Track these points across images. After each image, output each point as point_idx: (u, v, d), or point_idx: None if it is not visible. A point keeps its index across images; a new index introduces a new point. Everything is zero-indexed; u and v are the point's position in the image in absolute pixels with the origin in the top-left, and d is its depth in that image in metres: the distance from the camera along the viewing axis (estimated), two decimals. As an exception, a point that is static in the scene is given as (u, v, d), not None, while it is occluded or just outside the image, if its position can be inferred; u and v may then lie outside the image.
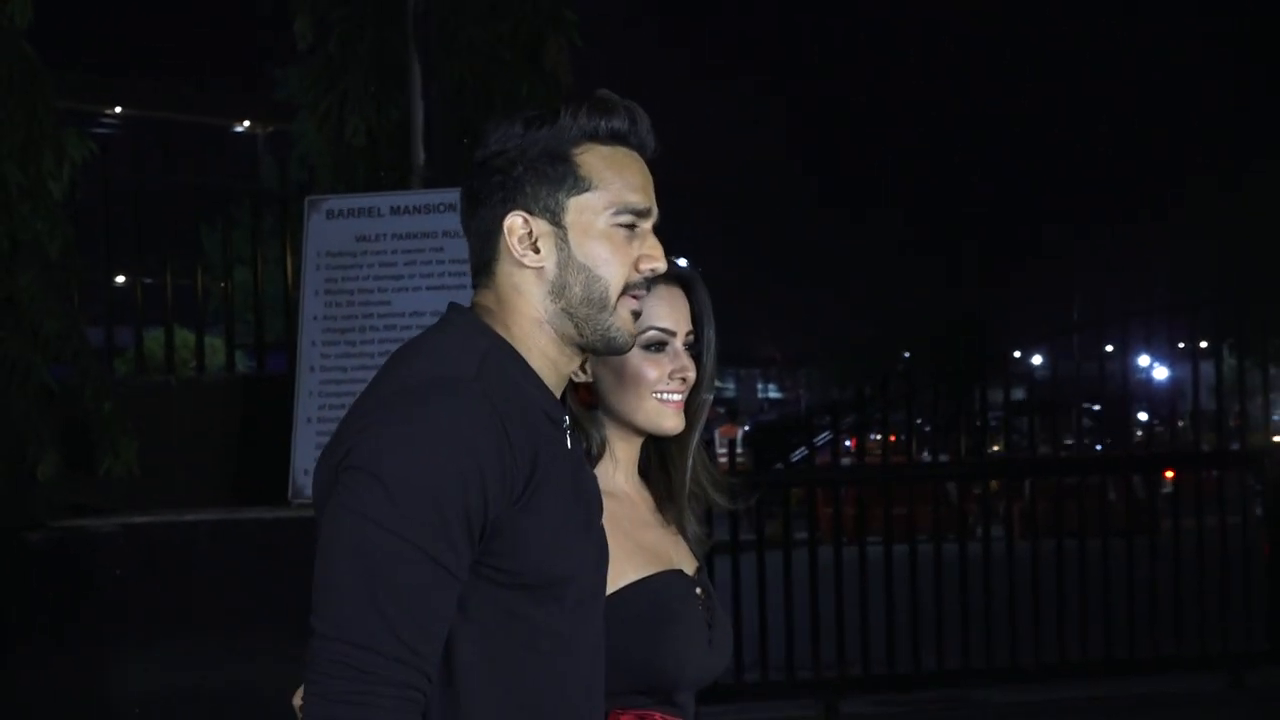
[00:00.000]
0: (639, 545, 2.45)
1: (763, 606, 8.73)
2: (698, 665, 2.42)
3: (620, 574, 2.35)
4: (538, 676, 2.04)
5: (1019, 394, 11.38)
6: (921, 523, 9.16)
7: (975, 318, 43.55)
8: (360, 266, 6.20)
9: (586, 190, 2.12)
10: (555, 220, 2.12)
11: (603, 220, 2.13)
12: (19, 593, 5.87)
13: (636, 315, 2.18)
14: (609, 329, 2.14)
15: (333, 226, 6.25)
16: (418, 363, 2.07)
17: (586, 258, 2.12)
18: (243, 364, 8.06)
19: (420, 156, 6.87)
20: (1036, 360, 26.43)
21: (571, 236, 2.12)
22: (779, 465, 9.50)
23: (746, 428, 23.08)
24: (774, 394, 63.76)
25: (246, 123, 37.42)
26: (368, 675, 1.90)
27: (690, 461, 2.55)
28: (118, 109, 36.17)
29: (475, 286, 2.18)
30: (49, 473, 6.10)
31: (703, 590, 2.51)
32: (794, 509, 11.58)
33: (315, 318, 6.21)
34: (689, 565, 2.53)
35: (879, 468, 9.87)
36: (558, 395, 2.18)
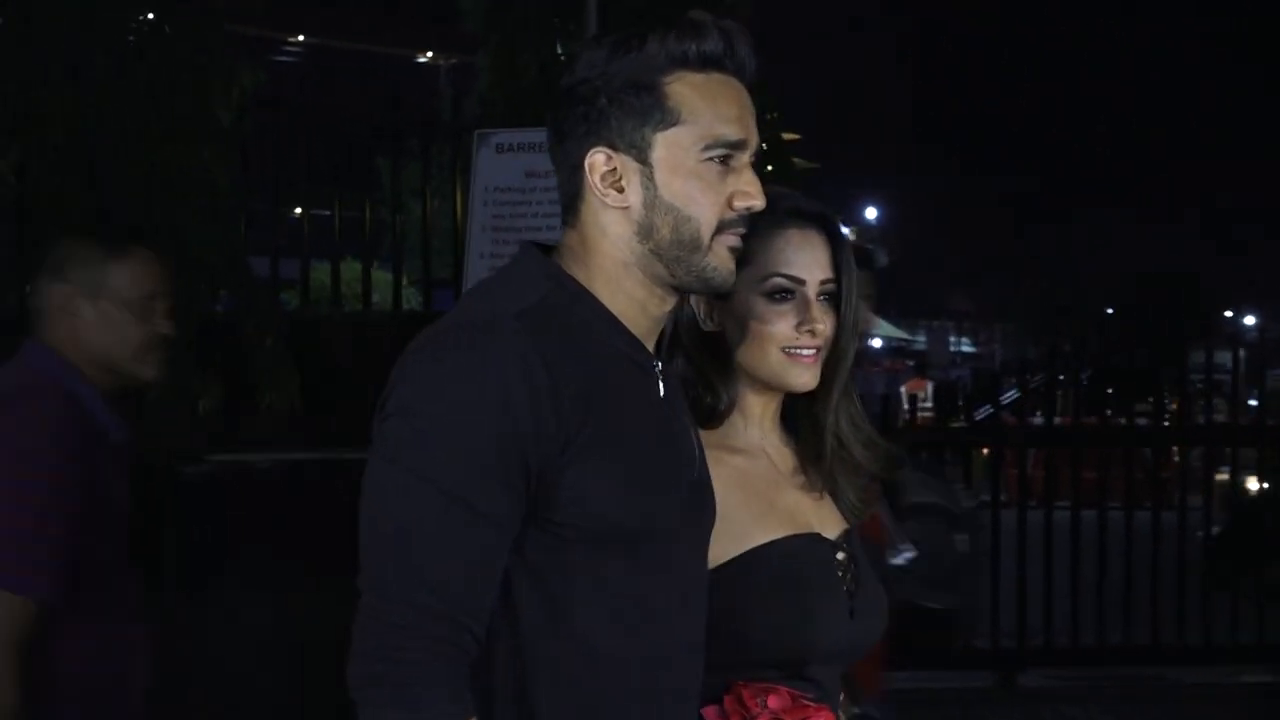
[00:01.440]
0: (771, 506, 2.35)
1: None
2: (834, 637, 2.31)
3: (745, 536, 2.27)
4: (605, 632, 1.97)
5: (1224, 357, 11.05)
6: (1114, 488, 8.97)
7: (1187, 274, 42.55)
8: (529, 204, 6.22)
9: (675, 124, 2.02)
10: (641, 157, 2.03)
11: (693, 156, 2.03)
12: (176, 526, 6.01)
13: (735, 252, 2.08)
14: (704, 269, 2.05)
15: (502, 161, 6.28)
16: (469, 302, 2.03)
17: (675, 197, 2.03)
18: (411, 300, 8.15)
19: (594, 91, 6.85)
20: (1249, 321, 25.74)
21: (659, 174, 2.03)
22: (961, 422, 9.38)
23: (931, 383, 22.75)
24: (967, 348, 62.94)
25: (430, 54, 37.76)
26: (402, 630, 1.85)
27: (831, 420, 2.42)
28: (300, 37, 36.71)
29: (564, 224, 2.11)
30: (210, 405, 6.22)
31: (848, 556, 2.39)
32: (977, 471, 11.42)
33: (482, 255, 6.25)
34: (834, 528, 2.41)
35: (1068, 429, 9.66)
36: (650, 338, 2.10)
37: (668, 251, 2.04)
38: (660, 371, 2.12)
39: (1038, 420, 9.75)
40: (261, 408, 6.40)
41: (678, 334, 2.35)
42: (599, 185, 2.04)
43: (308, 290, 7.80)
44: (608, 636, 1.98)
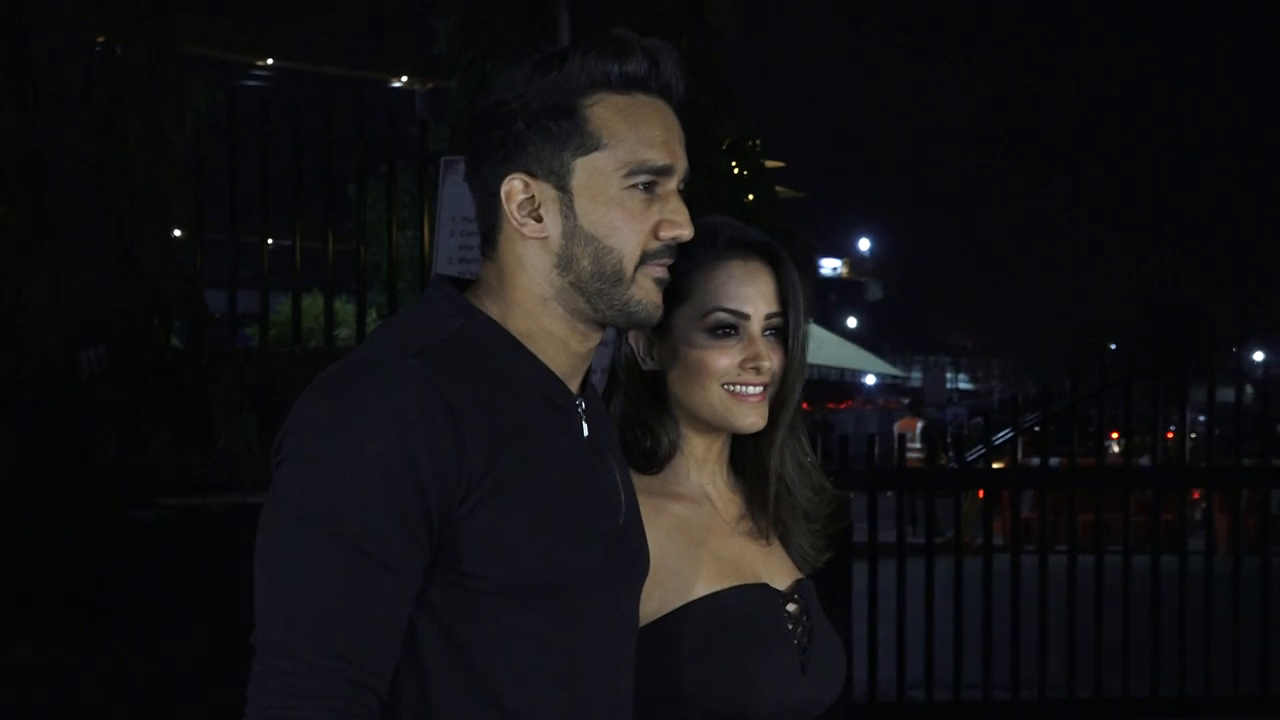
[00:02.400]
0: (713, 555, 2.28)
1: (929, 618, 8.55)
2: (783, 694, 2.23)
3: (687, 587, 2.19)
4: (517, 688, 1.91)
5: (1226, 395, 11.03)
6: (1112, 532, 8.91)
7: (1194, 307, 42.64)
8: (497, 233, 6.17)
9: (596, 149, 1.95)
10: (560, 184, 1.96)
11: (615, 183, 1.96)
12: (127, 573, 5.93)
13: (661, 284, 2.01)
14: (628, 302, 1.98)
15: (468, 190, 6.22)
16: (374, 340, 1.97)
17: (595, 226, 1.96)
18: (375, 335, 8.08)
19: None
20: (1258, 357, 25.74)
21: (578, 202, 1.96)
22: (952, 463, 9.31)
23: (922, 423, 22.68)
24: (964, 385, 63.07)
25: (405, 79, 37.82)
26: (293, 688, 1.79)
27: (776, 463, 2.34)
28: (269, 60, 36.73)
29: (482, 257, 2.03)
30: (161, 445, 6.17)
31: (799, 608, 2.32)
32: (970, 513, 11.37)
33: (448, 287, 6.20)
34: (784, 579, 2.34)
35: (1064, 470, 9.61)
36: (574, 376, 2.04)
37: (589, 284, 1.97)
38: (584, 411, 2.04)
39: (1033, 461, 9.69)
40: (216, 449, 6.35)
41: (615, 374, 2.30)
42: (516, 214, 1.97)
43: (267, 325, 7.73)
44: (521, 693, 1.91)
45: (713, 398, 2.31)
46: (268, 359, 7.13)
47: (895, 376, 48.55)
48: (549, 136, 1.95)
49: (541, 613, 1.92)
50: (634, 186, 1.97)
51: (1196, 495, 10.41)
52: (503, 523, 1.88)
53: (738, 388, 2.29)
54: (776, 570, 2.35)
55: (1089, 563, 8.77)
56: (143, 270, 6.31)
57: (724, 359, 2.28)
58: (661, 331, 2.22)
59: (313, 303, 10.15)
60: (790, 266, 2.34)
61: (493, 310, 2.00)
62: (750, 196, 7.32)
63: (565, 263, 1.98)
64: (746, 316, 2.29)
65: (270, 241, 7.67)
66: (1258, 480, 9.58)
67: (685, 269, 2.11)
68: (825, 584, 2.50)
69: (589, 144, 1.96)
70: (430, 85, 32.27)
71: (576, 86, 1.96)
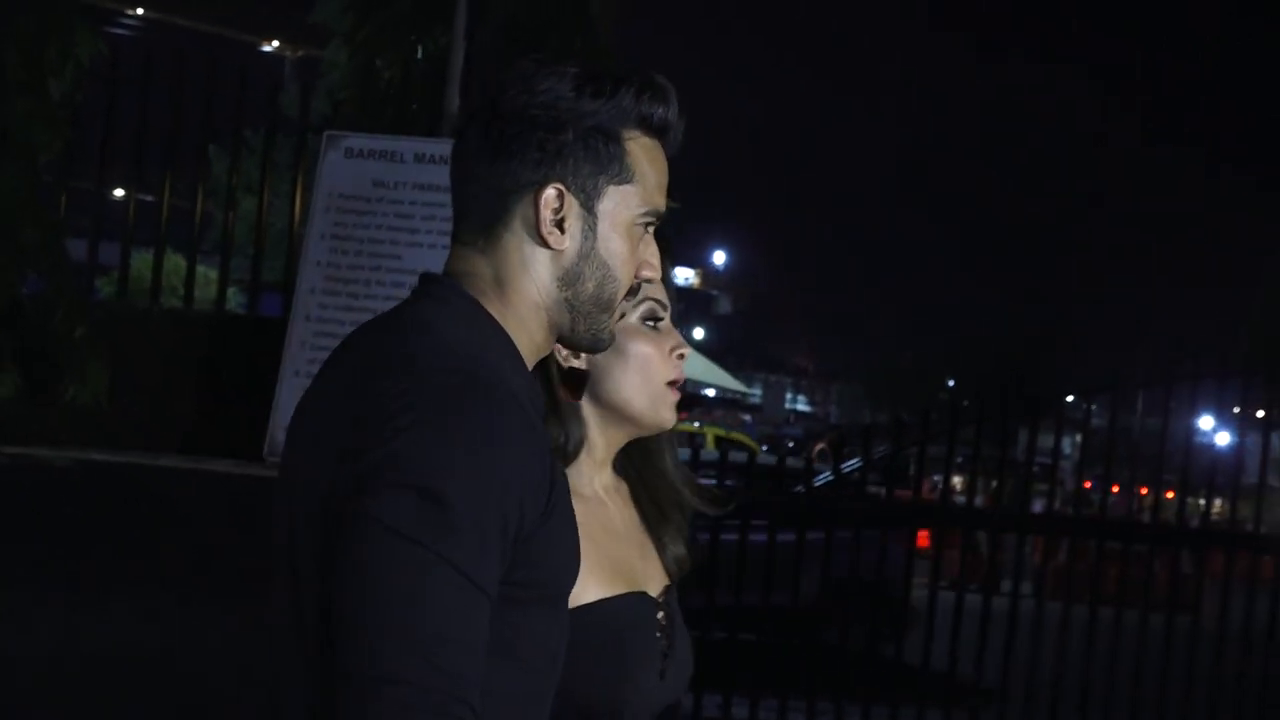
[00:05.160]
0: (605, 558, 2.34)
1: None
2: (645, 696, 2.33)
3: (582, 589, 2.23)
4: (524, 692, 2.00)
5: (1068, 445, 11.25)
6: (946, 570, 9.04)
7: (1031, 352, 43.39)
8: (374, 214, 6.12)
9: (627, 181, 2.07)
10: (589, 204, 2.05)
11: (632, 218, 2.08)
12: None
13: (620, 318, 2.15)
14: (601, 330, 2.10)
15: (350, 167, 6.17)
16: (430, 352, 1.96)
17: (609, 254, 2.07)
18: (235, 301, 7.99)
19: (455, 102, 6.78)
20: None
21: (601, 226, 2.06)
22: (799, 489, 9.39)
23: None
24: (802, 406, 63.66)
25: (275, 43, 37.37)
26: (419, 716, 1.80)
27: (670, 463, 2.46)
28: (139, 10, 36.11)
29: (461, 243, 2.09)
30: (7, 394, 6.04)
31: (665, 615, 2.41)
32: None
33: (318, 263, 6.13)
34: (657, 584, 2.43)
35: (903, 505, 9.72)
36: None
37: (583, 305, 2.07)
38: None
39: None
40: (64, 401, 6.22)
41: (544, 366, 2.34)
42: (547, 220, 2.04)
43: (126, 280, 7.60)
44: (526, 698, 2.00)
45: (654, 391, 2.37)
46: (123, 315, 7.00)
47: (738, 392, 48.92)
48: (593, 156, 2.05)
49: (551, 612, 2.01)
50: (639, 225, 2.10)
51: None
52: (559, 535, 1.97)
53: (671, 381, 2.40)
54: (652, 576, 2.45)
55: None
56: (2, 210, 6.17)
57: (656, 348, 2.38)
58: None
59: (173, 263, 10.02)
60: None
61: (492, 311, 2.05)
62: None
63: (569, 279, 2.06)
64: (666, 306, 2.41)
65: (135, 196, 7.54)
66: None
67: None
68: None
69: (625, 175, 2.07)
70: (301, 53, 31.93)
71: (626, 118, 2.07)
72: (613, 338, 2.13)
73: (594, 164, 2.05)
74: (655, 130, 2.11)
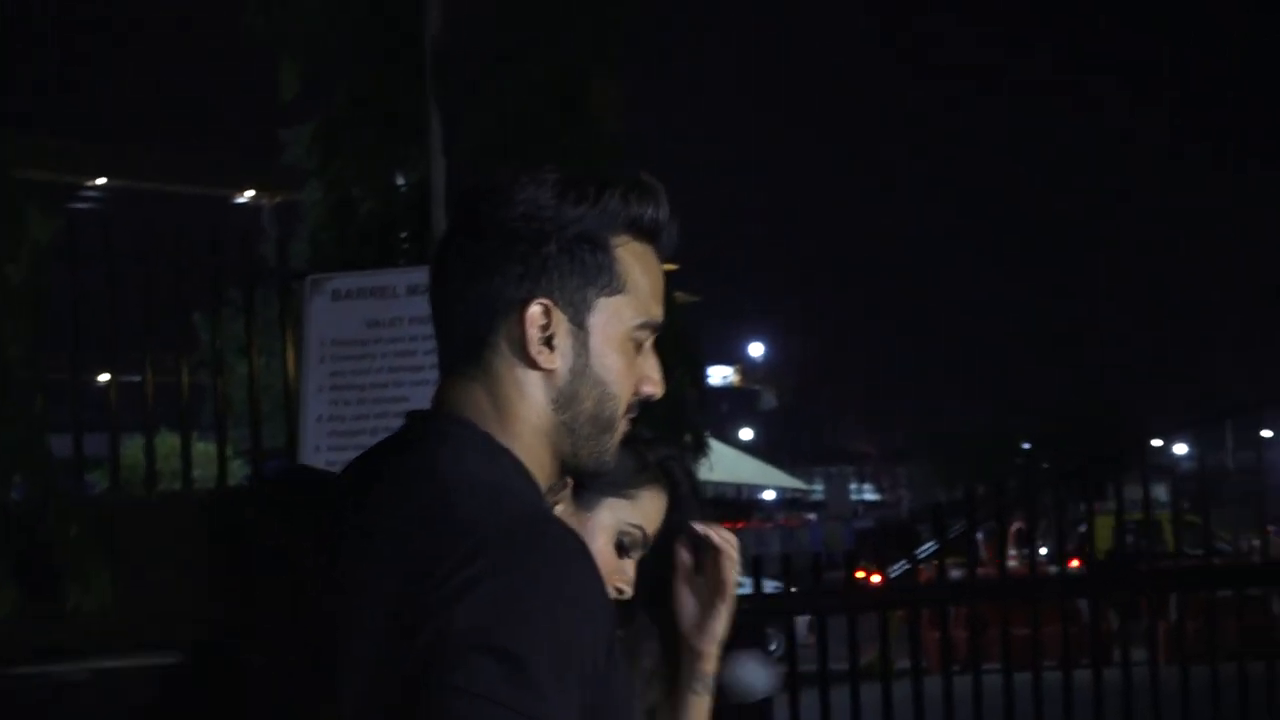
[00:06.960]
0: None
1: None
2: None
3: None
4: None
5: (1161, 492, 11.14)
6: (1049, 646, 8.93)
7: (1111, 401, 43.31)
8: (372, 357, 6.12)
9: (618, 292, 2.04)
10: (578, 319, 2.02)
11: (626, 330, 2.05)
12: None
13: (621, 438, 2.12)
14: (604, 452, 2.07)
15: (339, 310, 6.18)
16: (468, 497, 1.95)
17: (605, 370, 2.04)
18: (238, 474, 7.98)
19: (442, 224, 6.79)
20: (1180, 449, 26.16)
21: (593, 342, 2.03)
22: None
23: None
24: (870, 495, 63.38)
25: (251, 192, 37.72)
26: None
27: None
28: (100, 180, 36.51)
29: (450, 373, 2.06)
30: (7, 610, 6.02)
31: None
32: (894, 633, 11.36)
33: (319, 419, 6.12)
34: None
35: (994, 582, 9.63)
36: None
37: (582, 427, 2.04)
38: None
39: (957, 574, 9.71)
40: (68, 611, 6.19)
41: None
42: (534, 340, 2.01)
43: (118, 469, 7.59)
44: None
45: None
46: (119, 509, 6.99)
47: (798, 490, 48.76)
48: (579, 267, 2.02)
49: None
50: (636, 338, 2.07)
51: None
52: (619, 669, 1.99)
53: None
54: None
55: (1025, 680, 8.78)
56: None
57: (608, 570, 2.46)
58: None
59: (164, 443, 10.02)
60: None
61: (502, 442, 2.03)
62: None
63: (565, 401, 2.03)
64: (646, 542, 2.59)
65: (118, 379, 7.55)
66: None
67: None
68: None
69: (615, 285, 2.04)
70: (279, 199, 32.21)
71: (614, 223, 2.04)
72: (613, 463, 2.11)
73: (581, 275, 2.02)
74: (646, 233, 2.07)
